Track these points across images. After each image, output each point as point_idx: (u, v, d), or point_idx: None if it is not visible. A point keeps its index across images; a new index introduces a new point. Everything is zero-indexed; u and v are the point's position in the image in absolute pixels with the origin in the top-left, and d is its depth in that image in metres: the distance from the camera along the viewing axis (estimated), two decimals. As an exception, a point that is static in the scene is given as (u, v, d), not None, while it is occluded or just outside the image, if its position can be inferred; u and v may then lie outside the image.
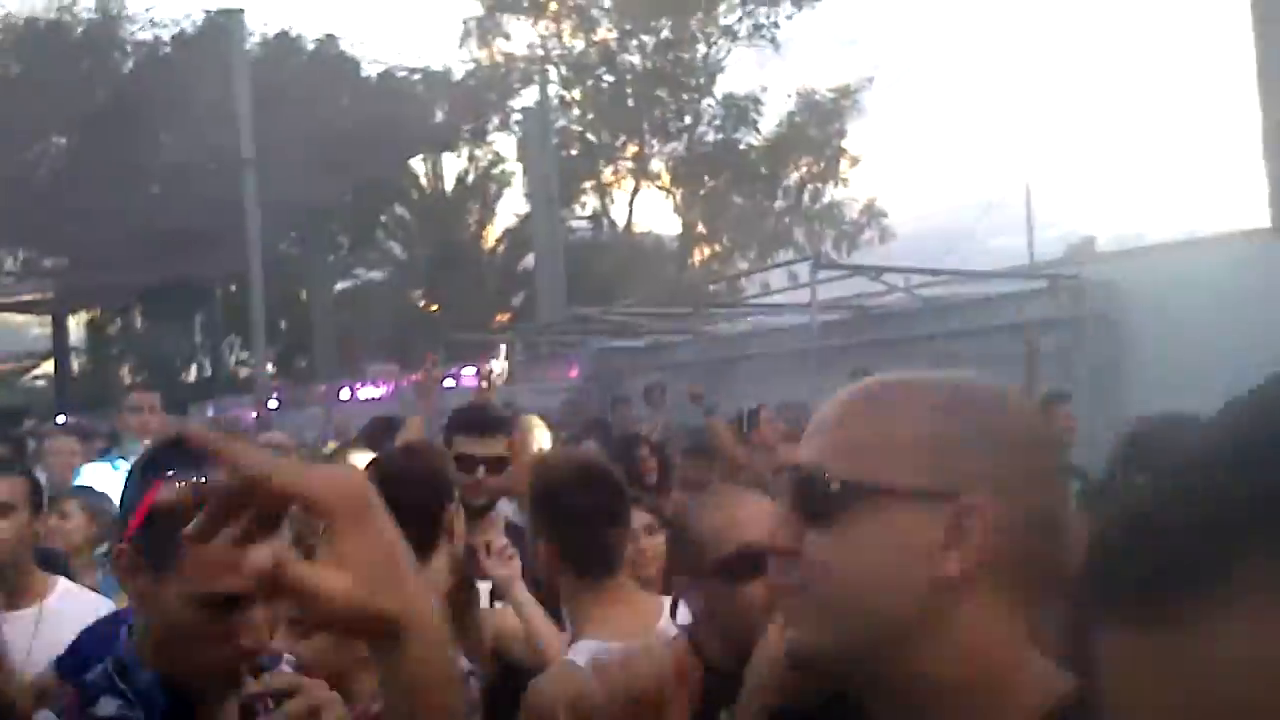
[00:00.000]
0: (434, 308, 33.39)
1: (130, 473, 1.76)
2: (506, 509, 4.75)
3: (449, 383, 14.59)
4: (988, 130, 70.99)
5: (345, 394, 17.78)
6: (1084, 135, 64.21)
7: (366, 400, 17.08)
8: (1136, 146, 65.81)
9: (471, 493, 3.54)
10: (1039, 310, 10.82)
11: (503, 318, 31.05)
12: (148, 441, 5.35)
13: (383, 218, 35.09)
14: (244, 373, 31.63)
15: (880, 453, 1.03)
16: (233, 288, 31.33)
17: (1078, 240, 17.07)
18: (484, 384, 5.46)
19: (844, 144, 34.71)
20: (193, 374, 35.80)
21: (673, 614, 2.16)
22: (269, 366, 25.32)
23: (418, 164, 34.72)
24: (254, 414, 17.00)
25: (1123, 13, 55.68)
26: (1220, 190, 47.86)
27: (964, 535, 0.99)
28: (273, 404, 18.52)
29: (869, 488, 1.01)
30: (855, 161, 34.97)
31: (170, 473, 1.62)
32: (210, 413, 18.18)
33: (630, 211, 35.96)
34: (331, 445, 10.36)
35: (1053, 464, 1.09)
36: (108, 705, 1.66)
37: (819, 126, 34.42)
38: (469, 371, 14.63)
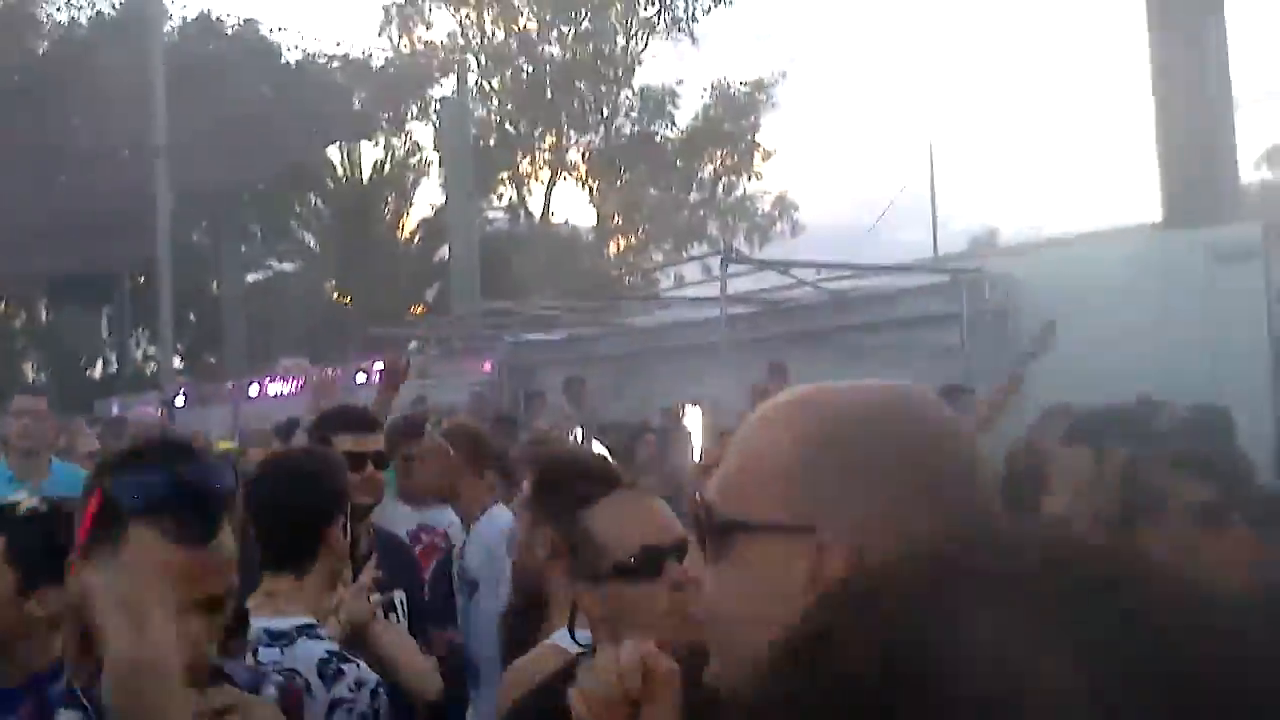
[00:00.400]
0: (347, 300, 32.97)
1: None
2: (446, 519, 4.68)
3: (360, 377, 14.46)
4: (896, 124, 72.20)
5: (254, 390, 17.48)
6: (990, 130, 65.54)
7: (275, 397, 16.80)
8: (1041, 140, 67.26)
9: (365, 491, 3.51)
10: (940, 304, 11.03)
11: (417, 310, 30.77)
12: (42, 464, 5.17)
13: (297, 207, 34.52)
14: (151, 368, 30.94)
15: (750, 485, 0.99)
16: (141, 279, 30.63)
17: (981, 233, 17.42)
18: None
19: (757, 137, 35.09)
20: (98, 369, 34.91)
21: (570, 631, 2.13)
22: (176, 361, 24.78)
23: (333, 152, 34.25)
24: (159, 411, 16.66)
25: (1029, 11, 56.81)
26: (1121, 183, 49.24)
27: (824, 575, 0.92)
28: (179, 400, 18.18)
29: (738, 523, 0.98)
30: (768, 155, 35.33)
31: (113, 479, 1.60)
32: (114, 409, 17.73)
33: (547, 203, 35.93)
34: (224, 443, 10.15)
35: (955, 491, 0.95)
36: (67, 718, 1.63)
37: (733, 120, 34.72)
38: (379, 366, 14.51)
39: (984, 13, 61.10)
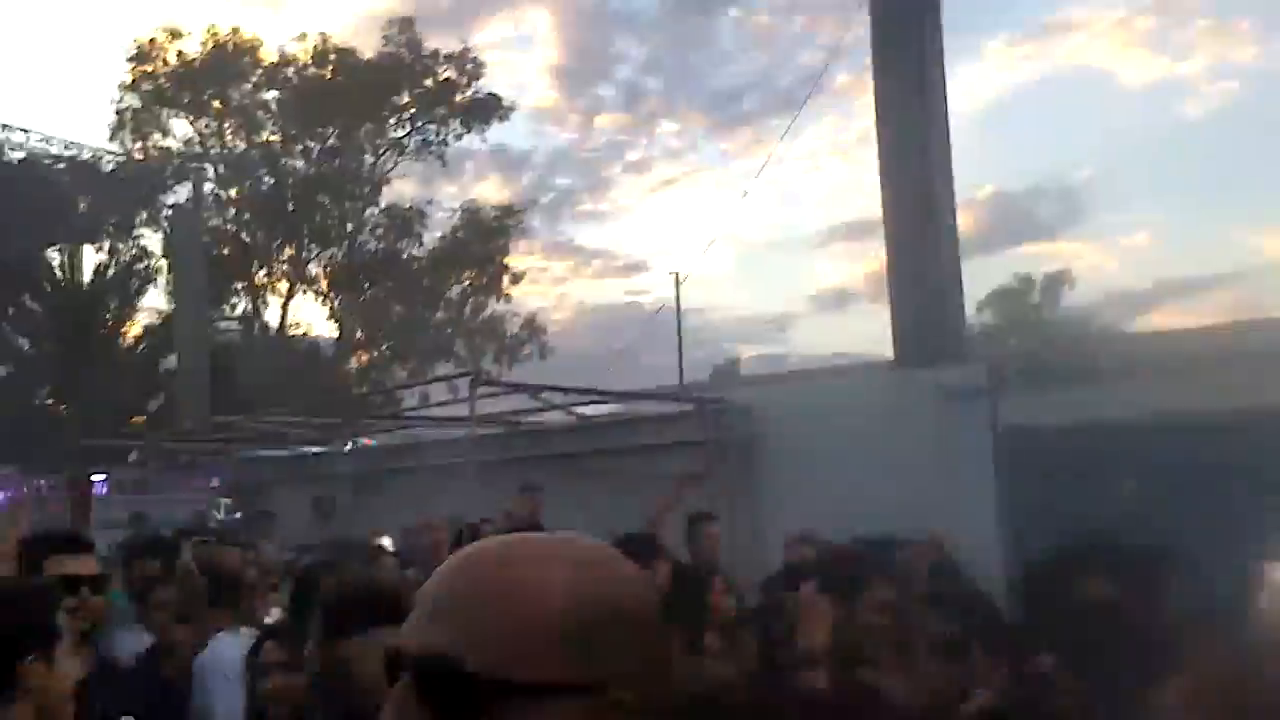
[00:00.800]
0: (63, 408, 30.73)
1: None
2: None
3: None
4: (648, 249, 74.73)
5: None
6: (734, 260, 68.82)
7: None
8: (784, 272, 70.77)
9: (81, 616, 3.31)
10: (685, 432, 11.27)
11: (139, 422, 28.96)
12: None
13: (10, 310, 32.14)
14: None
15: (519, 643, 0.95)
16: None
17: (724, 362, 18.11)
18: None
19: (507, 261, 35.50)
20: None
21: None
22: None
23: (52, 254, 32.22)
24: None
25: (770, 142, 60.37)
26: (862, 319, 52.62)
27: None
28: None
29: (510, 683, 0.93)
30: (517, 278, 35.73)
31: None
32: None
33: (284, 315, 34.89)
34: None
35: (671, 647, 1.06)
36: None
37: (482, 242, 34.97)
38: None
39: (740, 147, 64.36)
